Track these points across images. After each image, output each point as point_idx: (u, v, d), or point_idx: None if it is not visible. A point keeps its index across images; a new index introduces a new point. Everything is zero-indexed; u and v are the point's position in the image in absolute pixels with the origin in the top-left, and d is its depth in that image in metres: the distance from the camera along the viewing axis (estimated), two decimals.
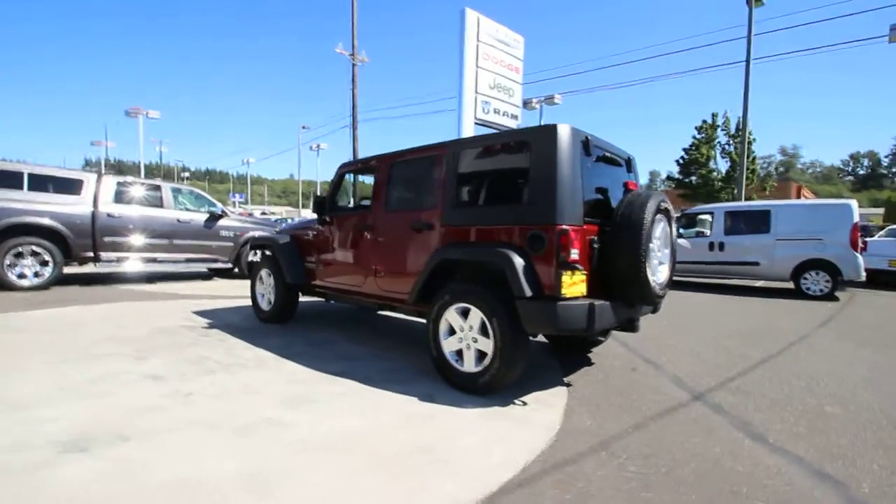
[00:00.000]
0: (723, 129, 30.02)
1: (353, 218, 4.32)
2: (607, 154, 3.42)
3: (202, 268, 8.87)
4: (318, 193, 4.86)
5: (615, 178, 3.49)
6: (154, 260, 7.93)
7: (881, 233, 12.68)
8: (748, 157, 23.30)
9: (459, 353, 3.22)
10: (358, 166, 4.57)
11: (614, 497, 1.95)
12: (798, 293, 8.51)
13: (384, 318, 5.78)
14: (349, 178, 4.83)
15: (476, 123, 16.11)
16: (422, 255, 3.56)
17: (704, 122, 30.94)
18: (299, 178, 44.80)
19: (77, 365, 3.41)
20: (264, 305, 5.18)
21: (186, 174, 76.14)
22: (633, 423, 2.73)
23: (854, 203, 8.31)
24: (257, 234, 9.08)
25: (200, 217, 8.47)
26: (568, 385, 3.40)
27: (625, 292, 3.02)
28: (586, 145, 3.07)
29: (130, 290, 7.38)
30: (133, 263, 7.70)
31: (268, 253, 5.29)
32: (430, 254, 3.45)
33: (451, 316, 3.23)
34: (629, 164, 3.79)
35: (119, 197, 7.64)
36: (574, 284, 2.78)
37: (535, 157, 2.96)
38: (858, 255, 8.00)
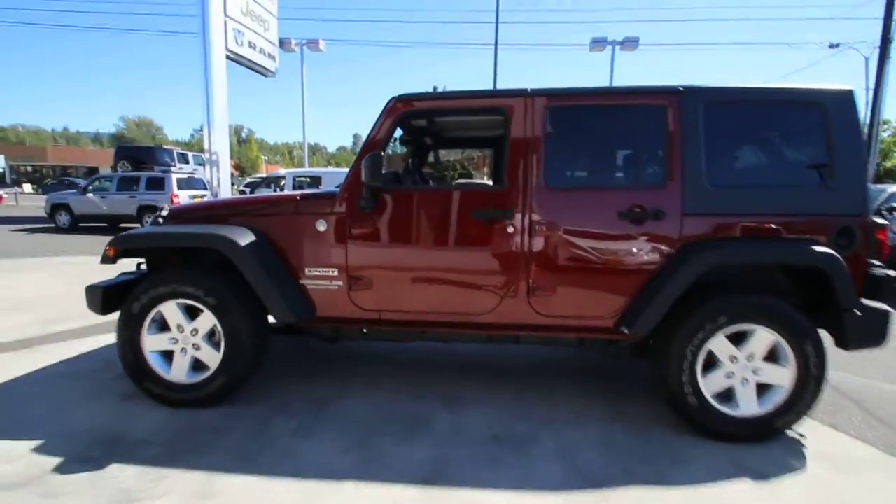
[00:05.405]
0: None
1: (451, 197, 2.48)
2: None
3: None
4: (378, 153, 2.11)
5: None
6: None
7: None
8: None
9: (723, 394, 2.33)
10: (439, 105, 2.58)
11: None
12: None
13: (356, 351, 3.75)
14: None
15: (228, 58, 12.42)
16: (639, 258, 2.35)
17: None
18: None
19: None
20: (181, 374, 2.46)
21: None
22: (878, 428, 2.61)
23: None
24: None
25: None
26: None
27: None
28: None
29: None
30: None
31: (154, 267, 2.55)
32: (668, 256, 2.30)
33: (716, 344, 2.27)
34: None
35: None
36: None
37: (836, 127, 2.26)
38: None
